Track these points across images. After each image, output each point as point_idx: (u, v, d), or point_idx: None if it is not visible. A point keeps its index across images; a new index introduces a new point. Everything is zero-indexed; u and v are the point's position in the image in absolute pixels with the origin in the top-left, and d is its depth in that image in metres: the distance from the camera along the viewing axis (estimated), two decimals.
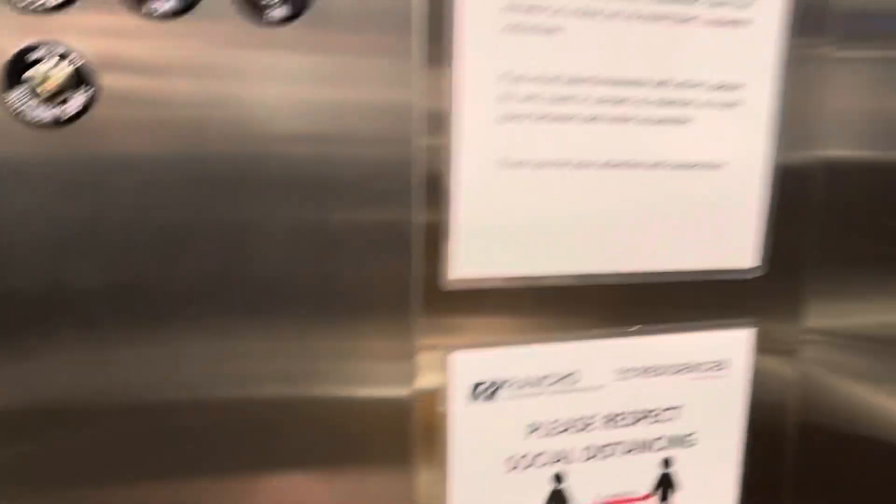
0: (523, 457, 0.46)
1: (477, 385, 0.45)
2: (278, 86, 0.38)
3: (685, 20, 0.44)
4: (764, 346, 0.49)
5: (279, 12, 0.37)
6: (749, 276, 0.48)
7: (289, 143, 0.39)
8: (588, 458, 0.47)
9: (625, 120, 0.44)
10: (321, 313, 0.41)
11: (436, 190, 0.42)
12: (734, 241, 0.48)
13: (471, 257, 0.43)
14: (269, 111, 0.38)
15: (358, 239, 0.41)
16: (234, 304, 0.39)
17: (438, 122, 0.41)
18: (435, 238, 0.42)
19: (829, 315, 0.51)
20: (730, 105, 0.46)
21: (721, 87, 0.45)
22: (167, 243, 0.38)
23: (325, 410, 0.42)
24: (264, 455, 0.41)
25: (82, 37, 0.35)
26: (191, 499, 0.41)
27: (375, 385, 0.43)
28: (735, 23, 0.45)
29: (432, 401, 0.44)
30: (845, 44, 0.48)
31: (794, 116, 0.47)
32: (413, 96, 0.40)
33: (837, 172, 0.49)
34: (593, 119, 0.44)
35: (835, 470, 0.54)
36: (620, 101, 0.44)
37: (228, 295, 0.39)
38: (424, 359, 0.43)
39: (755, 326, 0.49)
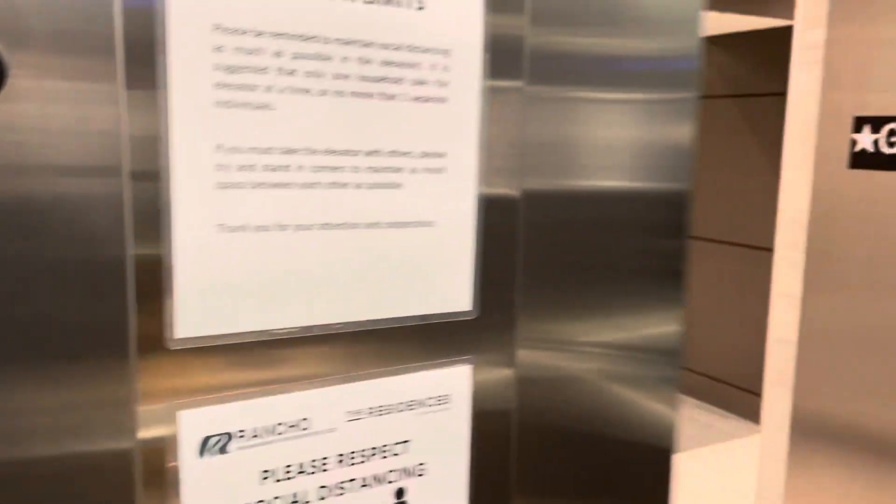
0: (259, 502, 0.49)
1: (207, 439, 0.47)
2: None
3: (390, 97, 0.49)
4: (482, 378, 0.56)
5: None
6: (465, 318, 0.55)
7: None
8: (323, 498, 0.51)
9: (341, 185, 0.49)
10: (34, 366, 0.41)
11: (156, 253, 0.44)
12: (449, 288, 0.54)
13: (196, 316, 0.45)
14: None
15: (71, 301, 0.42)
16: None
17: (156, 187, 0.43)
18: (157, 296, 0.44)
19: (539, 340, 0.59)
20: (436, 170, 0.52)
21: (426, 155, 0.51)
22: None
23: (41, 468, 0.42)
24: None
25: None
26: None
27: (96, 440, 0.43)
28: (436, 99, 0.51)
29: (160, 457, 0.45)
30: (536, 85, 0.56)
31: (495, 173, 0.54)
32: (124, 159, 0.42)
33: (536, 206, 0.57)
34: (311, 185, 0.48)
35: (555, 481, 0.62)
36: (335, 169, 0.48)
37: None
38: (150, 415, 0.45)
39: (472, 363, 0.55)
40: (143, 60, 0.42)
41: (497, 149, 0.54)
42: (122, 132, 0.42)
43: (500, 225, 0.55)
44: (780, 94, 2.70)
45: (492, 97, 0.53)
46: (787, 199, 1.19)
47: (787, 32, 2.66)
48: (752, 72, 2.70)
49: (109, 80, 0.41)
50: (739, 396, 2.80)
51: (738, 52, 2.76)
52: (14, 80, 0.39)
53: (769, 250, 2.60)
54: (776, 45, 2.68)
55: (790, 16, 2.42)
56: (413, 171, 0.51)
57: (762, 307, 2.63)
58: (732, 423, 2.73)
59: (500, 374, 0.57)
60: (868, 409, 1.07)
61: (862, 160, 1.10)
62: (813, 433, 1.19)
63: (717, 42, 2.77)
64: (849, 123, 1.11)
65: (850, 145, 1.12)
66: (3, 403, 0.40)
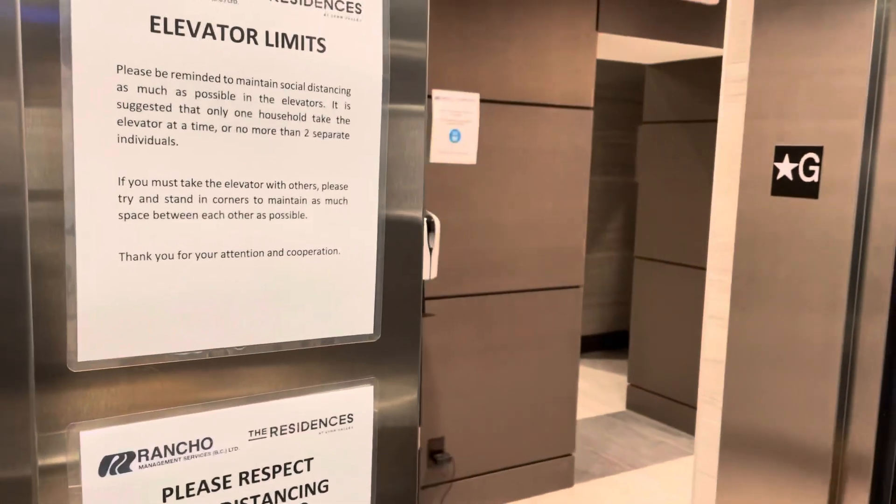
0: None
1: (108, 459, 0.49)
2: None
3: (293, 133, 0.52)
4: (384, 397, 0.59)
5: None
6: (368, 340, 0.58)
7: None
8: None
9: (244, 216, 0.51)
10: None
11: (59, 279, 0.46)
12: (352, 311, 0.57)
13: (98, 340, 0.47)
14: None
15: None
16: None
17: (59, 207, 0.45)
18: (59, 321, 0.46)
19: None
20: (339, 201, 0.55)
21: (329, 186, 0.54)
22: None
23: None
24: None
25: None
26: None
27: None
28: (338, 135, 0.54)
29: (61, 480, 0.47)
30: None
31: (398, 197, 0.58)
32: (27, 177, 0.44)
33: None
34: (213, 216, 0.50)
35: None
36: (238, 200, 0.51)
37: None
38: (51, 439, 0.46)
39: (374, 383, 0.58)
40: (47, 80, 0.44)
41: (399, 172, 0.58)
42: (24, 150, 0.44)
43: (403, 248, 0.58)
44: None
45: (393, 121, 0.57)
46: (717, 223, 1.26)
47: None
48: (697, 98, 2.80)
49: (11, 98, 0.43)
50: (686, 413, 2.86)
51: (685, 79, 2.86)
52: None
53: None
54: (718, 73, 2.79)
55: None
56: (315, 201, 0.54)
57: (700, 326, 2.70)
58: (682, 440, 2.79)
59: (403, 393, 0.60)
60: (793, 422, 1.12)
61: (783, 187, 1.17)
62: (740, 447, 1.24)
63: (666, 69, 2.87)
64: (771, 152, 1.18)
65: (773, 173, 1.18)
66: None
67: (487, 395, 2.06)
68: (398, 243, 0.58)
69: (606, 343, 3.63)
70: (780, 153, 1.08)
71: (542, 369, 2.20)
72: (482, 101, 1.96)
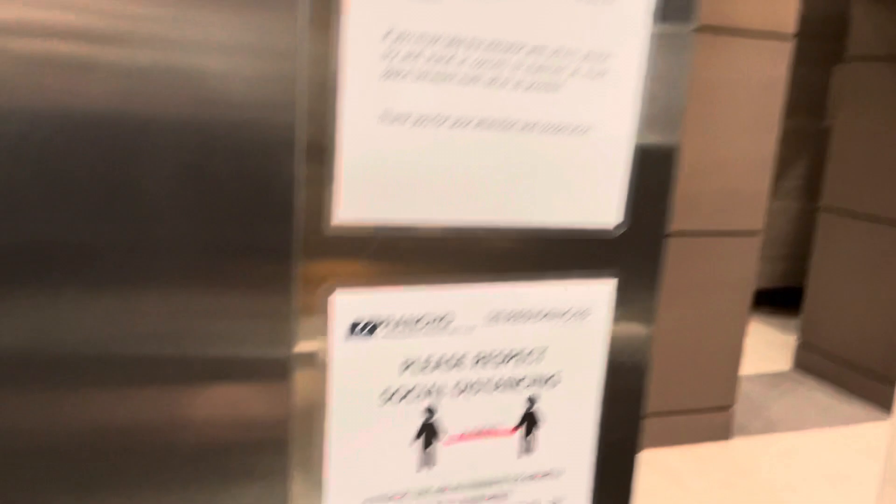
0: (397, 391, 0.50)
1: (355, 324, 0.48)
2: (154, 52, 0.40)
3: None
4: (622, 295, 0.55)
5: None
6: (612, 233, 0.53)
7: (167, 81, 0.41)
8: (458, 394, 0.52)
9: (501, 83, 0.48)
10: (206, 264, 0.44)
11: (320, 139, 0.45)
12: (599, 199, 0.52)
13: (352, 205, 0.46)
14: (158, 74, 0.40)
15: (243, 188, 0.43)
16: (119, 261, 0.41)
17: (324, 75, 0.44)
18: (320, 182, 0.45)
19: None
20: (598, 74, 0.50)
21: (590, 56, 0.49)
22: (58, 200, 0.39)
23: (211, 339, 0.45)
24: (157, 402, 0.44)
25: None
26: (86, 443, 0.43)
27: (259, 320, 0.46)
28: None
29: (313, 341, 0.47)
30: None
31: (658, 86, 0.52)
32: (299, 48, 0.43)
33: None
34: (471, 80, 0.47)
35: None
36: (497, 65, 0.47)
37: (113, 251, 0.41)
38: (306, 298, 0.46)
39: (615, 278, 0.54)
40: None
41: (663, 60, 0.52)
42: (298, 15, 0.43)
43: (657, 136, 0.53)
44: None
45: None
46: None
47: None
48: None
49: None
50: (861, 380, 2.63)
51: None
52: None
53: None
54: None
55: None
56: (573, 73, 0.49)
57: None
58: (855, 407, 2.58)
59: (641, 293, 0.55)
60: None
61: None
62: None
63: None
64: None
65: None
66: (162, 306, 0.43)
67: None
68: (652, 129, 0.53)
69: (775, 298, 3.39)
70: None
71: (709, 316, 2.08)
72: None
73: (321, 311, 0.47)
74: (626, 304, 0.55)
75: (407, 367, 0.50)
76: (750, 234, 2.08)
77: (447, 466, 0.52)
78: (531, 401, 0.54)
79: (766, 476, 2.11)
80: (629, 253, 0.54)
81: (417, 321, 0.50)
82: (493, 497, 0.54)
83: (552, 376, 0.54)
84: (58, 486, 0.43)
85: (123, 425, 0.44)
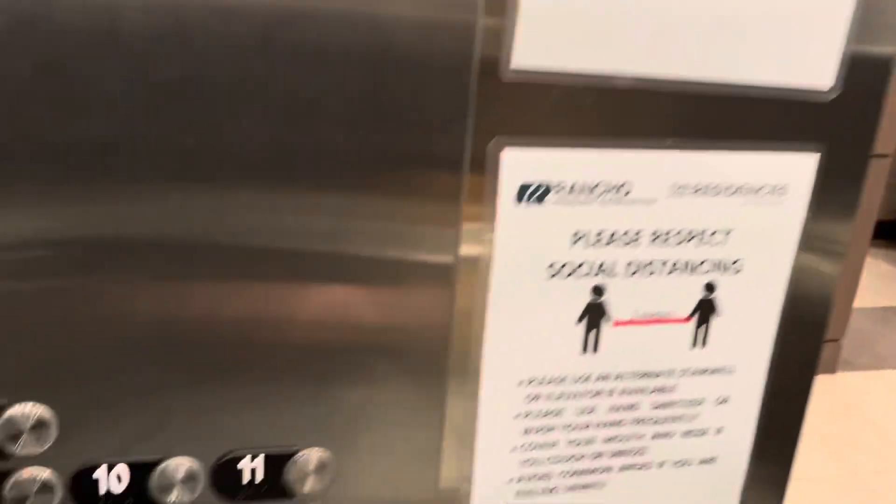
0: (564, 266, 0.45)
1: (525, 187, 0.43)
2: None
3: None
4: (828, 173, 0.47)
5: None
6: (821, 97, 0.45)
7: None
8: (630, 274, 0.46)
9: None
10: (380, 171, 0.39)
11: None
12: (811, 59, 0.44)
13: (534, 45, 0.40)
14: None
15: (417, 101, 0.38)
16: (300, 164, 0.37)
17: None
18: (500, 17, 0.39)
19: None
20: None
21: None
22: (211, 104, 0.36)
23: (379, 240, 0.41)
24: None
25: None
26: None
27: (432, 170, 0.41)
28: None
29: (479, 194, 0.42)
30: None
31: None
32: None
33: None
34: None
35: None
36: None
37: (292, 154, 0.37)
38: (477, 152, 0.41)
39: (821, 152, 0.47)
40: None
41: None
42: None
43: None
44: None
45: None
46: None
47: None
48: None
49: None
50: None
51: None
52: None
53: None
54: None
55: None
56: None
57: None
58: None
59: (847, 173, 0.48)
60: None
61: None
62: None
63: None
64: None
65: None
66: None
67: None
68: None
69: (891, 231, 3.15)
70: None
71: None
72: None
73: (491, 173, 0.42)
74: (827, 188, 0.48)
75: (577, 241, 0.45)
76: (881, 156, 1.91)
77: (611, 353, 0.48)
78: (709, 288, 0.48)
79: (870, 412, 2.00)
80: (838, 124, 0.46)
81: (593, 188, 0.44)
82: (656, 390, 0.49)
83: (735, 262, 0.48)
84: (175, 376, 0.41)
85: (277, 317, 0.41)
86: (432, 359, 0.45)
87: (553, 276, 0.45)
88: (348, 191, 0.40)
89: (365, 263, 0.41)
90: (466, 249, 0.43)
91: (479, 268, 0.44)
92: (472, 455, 0.48)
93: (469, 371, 0.46)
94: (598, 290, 0.46)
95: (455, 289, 0.43)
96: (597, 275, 0.46)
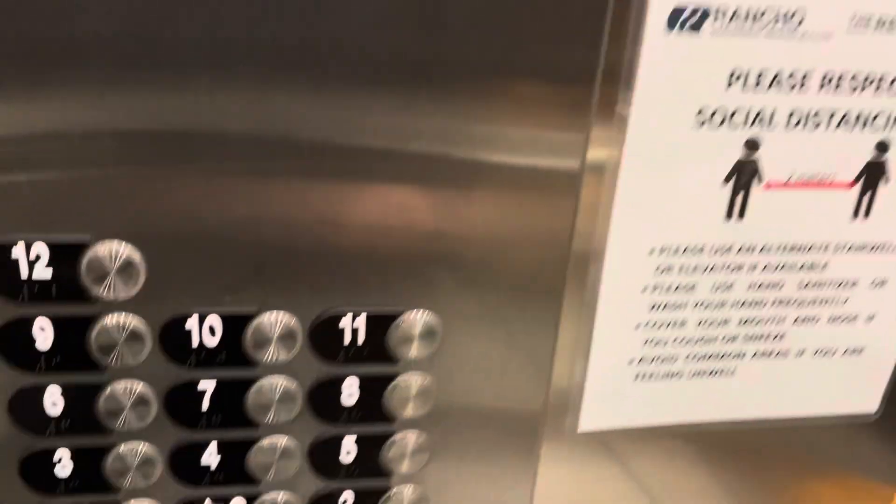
0: (716, 112, 0.38)
1: (679, 11, 0.36)
2: None
3: None
4: None
5: None
6: None
7: None
8: (792, 126, 0.39)
9: None
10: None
11: None
12: None
13: None
14: None
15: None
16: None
17: None
18: None
19: None
20: None
21: None
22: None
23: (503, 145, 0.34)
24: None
25: None
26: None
27: None
28: None
29: (623, 20, 0.36)
30: None
31: None
32: None
33: None
34: None
35: None
36: None
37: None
38: None
39: None
40: None
41: None
42: None
43: None
44: None
45: None
46: None
47: None
48: None
49: None
50: None
51: None
52: None
53: None
54: None
55: None
56: None
57: None
58: None
59: None
60: None
61: None
62: None
63: None
64: None
65: None
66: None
67: None
68: None
69: None
70: None
71: None
72: None
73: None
74: None
75: (734, 81, 0.38)
76: None
77: (758, 220, 0.41)
78: (882, 147, 0.41)
79: None
80: None
81: (759, 16, 0.37)
82: (805, 266, 0.43)
83: None
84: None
85: (394, 224, 0.36)
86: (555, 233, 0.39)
87: (701, 124, 0.38)
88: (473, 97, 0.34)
89: (487, 168, 0.36)
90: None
91: (614, 123, 0.38)
92: (590, 332, 0.43)
93: (595, 239, 0.40)
94: (751, 144, 0.39)
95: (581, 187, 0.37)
96: (752, 125, 0.39)
